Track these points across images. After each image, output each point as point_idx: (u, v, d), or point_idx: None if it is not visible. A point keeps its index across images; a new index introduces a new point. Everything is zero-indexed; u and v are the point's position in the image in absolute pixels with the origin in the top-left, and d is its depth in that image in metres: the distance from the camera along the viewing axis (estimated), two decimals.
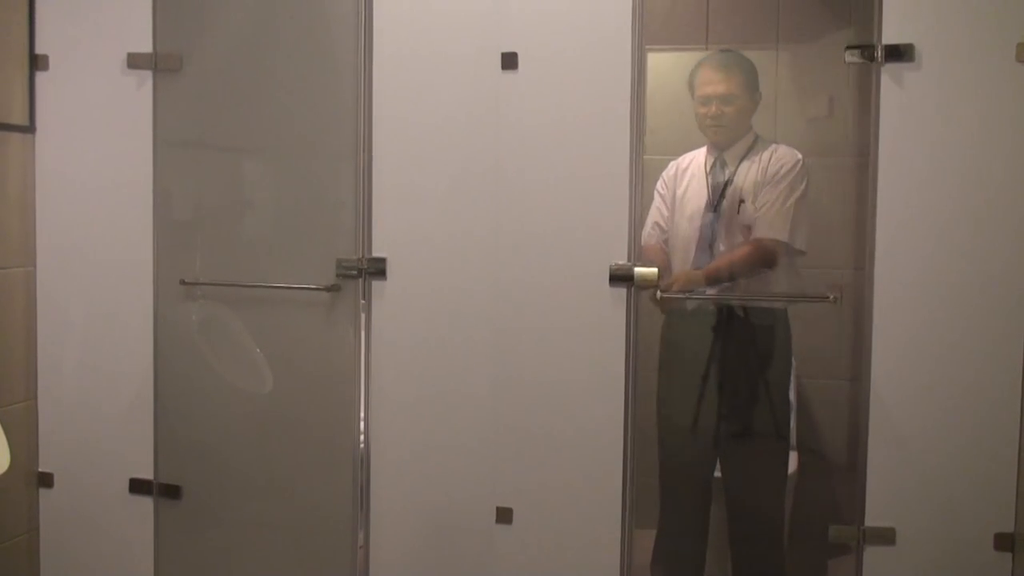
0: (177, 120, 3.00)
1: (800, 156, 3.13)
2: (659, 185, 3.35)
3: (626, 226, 2.69)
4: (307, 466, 2.99)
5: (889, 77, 2.56)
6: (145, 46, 2.97)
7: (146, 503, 3.07)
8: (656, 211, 3.32)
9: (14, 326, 3.02)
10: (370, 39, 2.82)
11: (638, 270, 2.70)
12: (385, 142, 2.83)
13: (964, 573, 2.61)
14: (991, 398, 2.57)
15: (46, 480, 3.12)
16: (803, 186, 3.10)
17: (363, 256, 2.85)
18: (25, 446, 3.07)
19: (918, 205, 2.57)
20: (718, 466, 3.25)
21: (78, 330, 3.07)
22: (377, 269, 2.84)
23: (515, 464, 2.80)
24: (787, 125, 3.47)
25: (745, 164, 3.18)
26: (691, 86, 3.24)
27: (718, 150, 3.24)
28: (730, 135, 3.20)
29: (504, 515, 2.81)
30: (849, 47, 2.61)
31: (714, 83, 3.19)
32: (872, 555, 2.65)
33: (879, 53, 2.56)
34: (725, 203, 3.18)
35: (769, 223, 3.10)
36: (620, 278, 2.68)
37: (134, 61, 2.97)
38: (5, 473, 2.55)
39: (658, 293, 2.83)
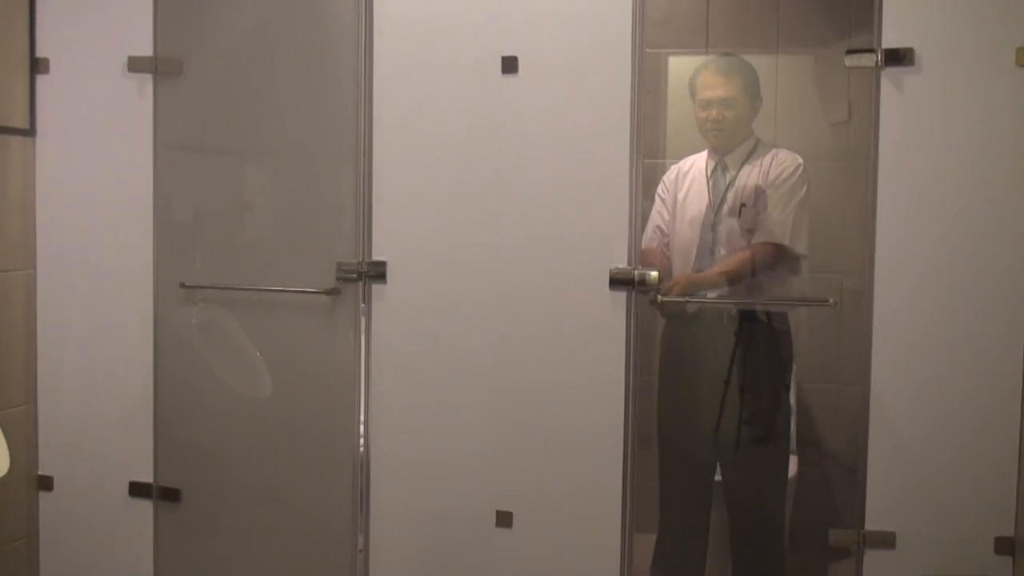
0: (177, 124, 3.00)
1: (801, 160, 3.14)
2: (660, 189, 3.36)
3: (626, 230, 2.68)
4: (307, 470, 2.99)
5: (889, 81, 2.56)
6: (146, 50, 2.97)
7: (146, 506, 3.07)
8: (657, 215, 3.33)
9: (14, 329, 3.02)
10: (370, 43, 2.82)
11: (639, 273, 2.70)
12: (385, 145, 2.83)
13: None
14: (991, 402, 2.56)
15: (46, 483, 3.12)
16: (804, 190, 3.11)
17: (363, 260, 2.85)
18: (25, 449, 3.07)
19: (918, 209, 2.57)
20: (718, 470, 3.25)
21: (78, 333, 3.07)
22: (377, 273, 2.85)
23: (515, 468, 2.80)
24: (787, 129, 3.48)
25: (746, 168, 3.19)
26: (692, 90, 3.25)
27: (719, 154, 3.24)
28: (731, 139, 3.21)
29: (504, 519, 2.81)
30: (849, 51, 2.61)
31: (715, 87, 3.20)
32: (872, 559, 2.65)
33: (879, 57, 2.55)
34: (726, 207, 3.18)
35: (770, 227, 3.10)
36: (620, 282, 2.68)
37: (134, 64, 2.97)
38: (5, 476, 2.55)
39: (658, 297, 2.83)
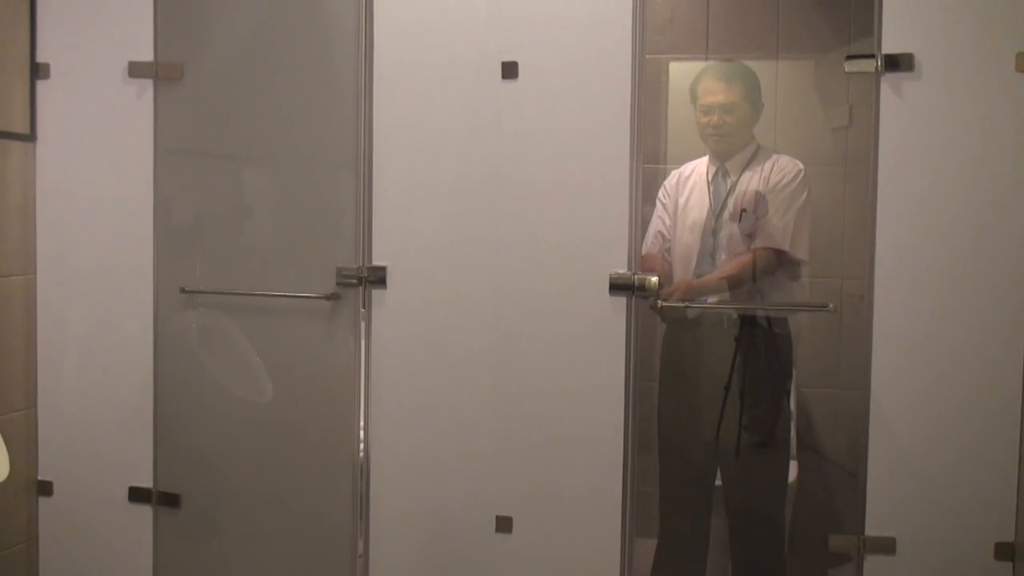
0: (178, 128, 3.00)
1: (801, 166, 3.14)
2: (660, 194, 3.36)
3: (626, 235, 2.68)
4: (307, 474, 2.99)
5: (889, 87, 2.57)
6: (146, 55, 2.97)
7: (145, 511, 3.07)
8: (658, 220, 3.33)
9: (14, 334, 3.02)
10: (371, 48, 2.82)
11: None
12: (385, 151, 2.83)
13: None
14: (991, 408, 2.56)
15: (45, 488, 3.12)
16: (804, 196, 3.11)
17: (363, 265, 2.85)
18: (25, 454, 3.07)
19: (918, 214, 2.57)
20: (718, 475, 3.25)
21: (78, 338, 3.07)
22: (377, 278, 2.84)
23: (515, 473, 2.80)
24: (788, 134, 3.48)
25: (747, 174, 3.19)
26: (693, 95, 3.25)
27: (720, 160, 3.25)
28: (731, 145, 3.21)
29: (504, 524, 2.81)
30: (849, 57, 2.61)
31: (716, 93, 3.20)
32: (872, 564, 2.64)
33: (879, 63, 2.56)
34: (727, 213, 3.19)
35: (770, 233, 3.11)
36: (620, 287, 2.68)
37: (135, 70, 2.98)
38: (4, 481, 2.55)
39: (658, 302, 2.83)
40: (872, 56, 2.57)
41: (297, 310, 2.96)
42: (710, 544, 3.28)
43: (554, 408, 2.76)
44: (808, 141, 3.58)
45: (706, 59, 3.63)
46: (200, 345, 3.06)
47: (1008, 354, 2.55)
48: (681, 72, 3.55)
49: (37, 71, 3.03)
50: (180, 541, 3.08)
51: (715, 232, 3.21)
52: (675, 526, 3.31)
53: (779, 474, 3.20)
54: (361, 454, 2.90)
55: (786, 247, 3.10)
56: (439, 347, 2.83)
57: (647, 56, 2.79)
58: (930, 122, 2.56)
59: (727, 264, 3.16)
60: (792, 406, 3.35)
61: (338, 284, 2.88)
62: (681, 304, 3.13)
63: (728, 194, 3.21)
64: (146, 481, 3.06)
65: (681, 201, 3.30)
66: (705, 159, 3.30)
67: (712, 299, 3.18)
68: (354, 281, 2.86)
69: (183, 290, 3.02)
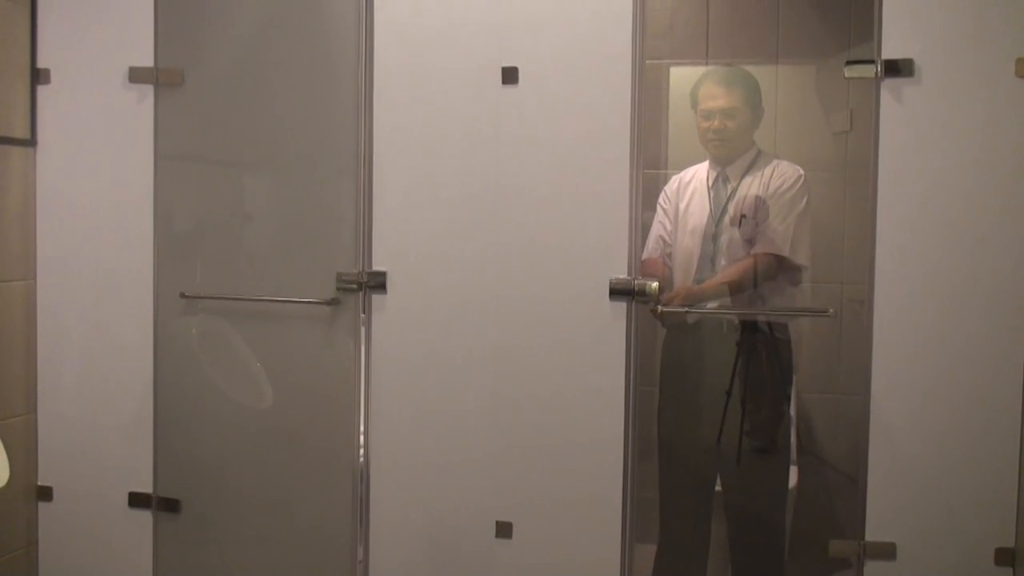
0: (178, 134, 3.00)
1: (802, 172, 3.14)
2: (661, 199, 3.36)
3: (626, 240, 2.68)
4: (307, 480, 2.99)
5: (889, 92, 2.57)
6: (146, 60, 2.97)
7: (145, 517, 3.06)
8: (659, 225, 3.33)
9: (14, 339, 3.02)
10: (371, 53, 2.82)
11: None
12: (385, 156, 2.83)
13: None
14: (992, 413, 2.56)
15: (45, 494, 3.11)
16: (804, 202, 3.11)
17: (363, 270, 2.85)
18: (24, 460, 3.07)
19: (918, 219, 2.57)
20: (718, 480, 3.25)
21: (78, 343, 3.07)
22: (377, 283, 2.85)
23: (515, 479, 2.80)
24: (788, 139, 3.49)
25: (747, 179, 3.19)
26: (693, 100, 3.26)
27: (720, 165, 3.25)
28: (732, 150, 3.22)
29: (504, 529, 2.81)
30: (849, 62, 2.61)
31: (716, 97, 3.20)
32: (873, 570, 2.64)
33: (879, 68, 2.56)
34: (727, 218, 3.19)
35: (770, 238, 3.11)
36: (620, 292, 2.68)
37: (135, 75, 2.98)
38: (4, 487, 2.55)
39: (658, 307, 2.83)
40: (872, 62, 2.57)
41: (297, 315, 2.96)
42: (710, 549, 3.28)
43: (554, 413, 2.76)
44: (809, 146, 3.58)
45: (706, 64, 3.63)
46: (200, 350, 3.06)
47: (1008, 359, 2.55)
48: (681, 77, 3.56)
49: (37, 76, 3.04)
50: (180, 547, 3.07)
51: (715, 237, 3.21)
52: (675, 531, 3.31)
53: (779, 479, 3.20)
54: (361, 459, 2.90)
55: (785, 253, 3.10)
56: (439, 352, 2.83)
57: (647, 61, 2.79)
58: (930, 127, 2.56)
59: (727, 269, 3.16)
60: (792, 411, 3.35)
61: (338, 289, 2.88)
62: (681, 309, 3.13)
63: (728, 199, 3.21)
64: (146, 486, 3.05)
65: (682, 206, 3.30)
66: (705, 164, 3.30)
67: (712, 304, 3.18)
68: (354, 286, 2.86)
69: (183, 295, 3.02)
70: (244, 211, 3.08)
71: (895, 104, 2.57)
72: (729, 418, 3.15)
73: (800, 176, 3.13)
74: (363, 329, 2.87)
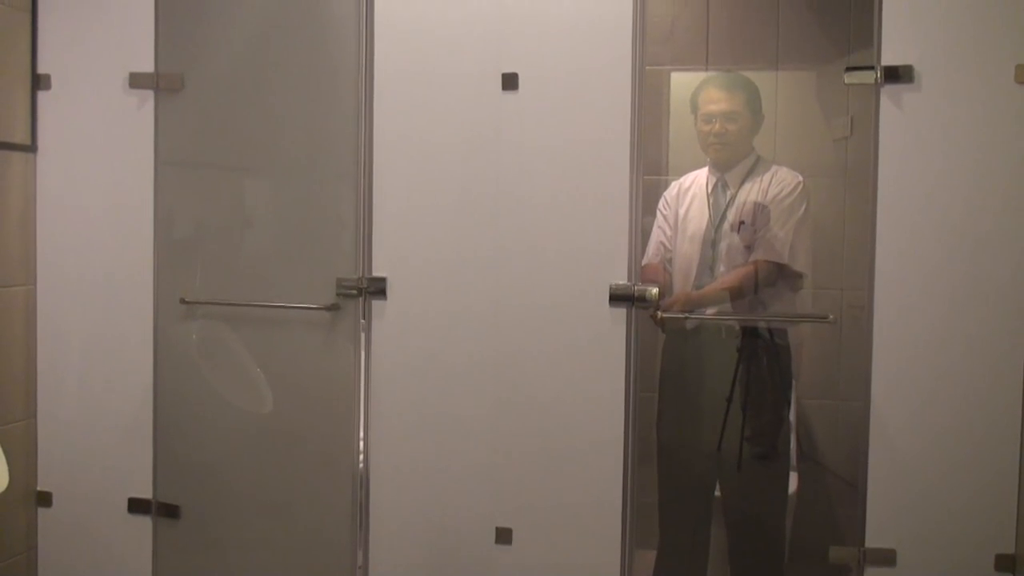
0: (178, 139, 3.00)
1: (801, 178, 3.15)
2: (661, 204, 3.37)
3: (626, 246, 2.68)
4: (306, 486, 2.98)
5: (888, 98, 2.57)
6: (147, 66, 2.98)
7: (145, 522, 3.06)
8: (659, 230, 3.34)
9: (14, 344, 3.02)
10: (371, 58, 2.83)
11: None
12: (386, 162, 2.83)
13: None
14: (991, 418, 2.56)
15: (45, 499, 3.11)
16: (803, 208, 3.11)
17: (363, 275, 2.86)
18: (24, 465, 3.07)
19: (918, 225, 2.57)
20: (717, 486, 3.25)
21: (78, 349, 3.07)
22: (377, 288, 2.85)
23: (515, 484, 2.79)
24: (789, 145, 3.49)
25: (746, 186, 3.19)
26: (694, 105, 3.26)
27: (720, 171, 3.25)
28: (732, 154, 3.22)
29: (504, 535, 2.80)
30: (849, 68, 2.62)
31: (718, 101, 3.21)
32: None
33: (878, 75, 2.56)
34: (726, 224, 3.19)
35: (769, 245, 3.11)
36: (620, 297, 2.68)
37: (136, 81, 2.98)
38: (4, 492, 2.55)
39: (658, 313, 2.83)
40: (872, 68, 2.57)
41: (297, 321, 2.96)
42: (710, 555, 3.27)
43: (554, 419, 2.75)
44: (809, 152, 3.58)
45: (706, 70, 3.63)
46: (200, 356, 3.06)
47: (1008, 365, 2.55)
48: (682, 83, 3.56)
49: (38, 82, 3.04)
50: (179, 552, 3.07)
51: (714, 244, 3.21)
52: (675, 537, 3.31)
53: (779, 485, 3.20)
54: (361, 465, 2.90)
55: (784, 260, 3.10)
56: (439, 357, 2.83)
57: (647, 67, 2.79)
58: (930, 133, 2.56)
59: (726, 276, 3.16)
60: (792, 417, 3.35)
61: (338, 295, 2.88)
62: (681, 315, 3.13)
63: (728, 206, 3.21)
64: (146, 492, 3.05)
65: (681, 212, 3.30)
66: (705, 170, 3.31)
67: (711, 310, 3.18)
68: (354, 292, 2.86)
69: (183, 301, 3.02)
70: (244, 216, 3.08)
71: (895, 110, 2.57)
72: (730, 424, 3.15)
73: (799, 183, 3.14)
74: (363, 335, 2.87)
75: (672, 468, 3.29)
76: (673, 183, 3.39)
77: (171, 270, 3.01)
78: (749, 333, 3.17)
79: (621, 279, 2.68)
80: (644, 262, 3.21)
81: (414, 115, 2.81)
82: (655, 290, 2.66)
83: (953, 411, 2.58)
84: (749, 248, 3.15)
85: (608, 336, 2.70)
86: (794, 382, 3.33)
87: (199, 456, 3.05)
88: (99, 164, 3.02)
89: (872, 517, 2.63)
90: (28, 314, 3.06)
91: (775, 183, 3.15)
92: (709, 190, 3.26)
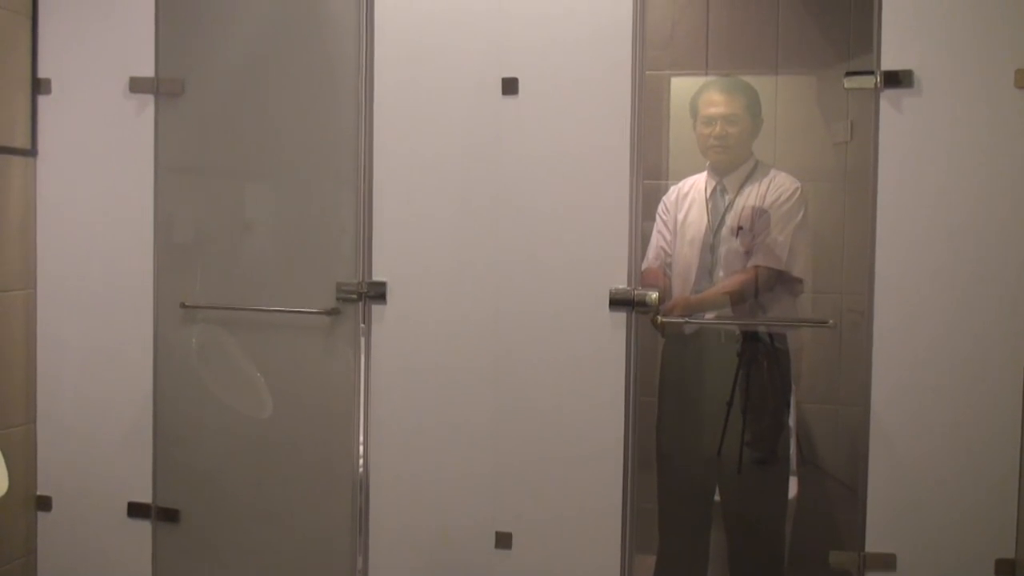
0: (178, 144, 3.01)
1: (799, 184, 3.15)
2: (660, 209, 3.37)
3: (626, 250, 2.69)
4: (306, 491, 2.98)
5: (888, 103, 2.57)
6: (147, 70, 2.98)
7: (144, 527, 3.06)
8: (658, 235, 3.34)
9: (14, 349, 3.02)
10: (371, 63, 2.83)
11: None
12: (386, 166, 2.83)
13: None
14: (991, 423, 2.56)
15: (44, 503, 3.11)
16: (801, 214, 3.11)
17: (363, 280, 2.86)
18: (24, 469, 3.07)
19: (918, 230, 2.58)
20: (717, 490, 3.24)
21: (78, 353, 3.07)
22: (377, 293, 2.85)
23: (514, 489, 2.79)
24: (789, 149, 3.49)
25: (745, 191, 3.19)
26: (693, 109, 3.26)
27: (718, 175, 3.25)
28: (732, 158, 3.22)
29: (503, 540, 2.80)
30: (848, 73, 2.62)
31: (718, 104, 3.21)
32: None
33: (878, 79, 2.56)
34: (725, 229, 3.19)
35: (767, 251, 3.11)
36: (620, 302, 2.68)
37: (136, 85, 2.98)
38: (4, 496, 2.55)
39: (658, 317, 2.83)
40: (872, 72, 2.57)
41: (297, 325, 2.96)
42: (710, 560, 3.27)
43: (554, 424, 2.75)
44: (809, 156, 3.58)
45: (706, 75, 3.63)
46: (200, 360, 3.06)
47: (1008, 369, 2.55)
48: (682, 88, 3.56)
49: (38, 86, 3.04)
50: (179, 557, 3.07)
51: (713, 249, 3.21)
52: (675, 542, 3.30)
53: (779, 490, 3.20)
54: (360, 470, 2.90)
55: (781, 266, 3.10)
56: (439, 362, 2.83)
57: (647, 72, 2.80)
58: (930, 138, 2.56)
59: (726, 281, 3.16)
60: (792, 422, 3.35)
61: (338, 299, 2.88)
62: (681, 320, 3.13)
63: (726, 210, 3.21)
64: (145, 496, 3.05)
65: (680, 217, 3.30)
66: (703, 175, 3.31)
67: (710, 315, 3.18)
68: (354, 296, 2.86)
69: (183, 305, 3.02)
70: (244, 221, 3.09)
71: (895, 114, 2.57)
72: (730, 428, 3.15)
73: (797, 188, 3.14)
74: (363, 339, 2.87)
75: (672, 473, 3.29)
76: (672, 188, 3.39)
77: (171, 274, 3.02)
78: (749, 337, 3.17)
79: (621, 283, 2.68)
80: (644, 267, 3.21)
81: (414, 119, 2.81)
82: (655, 294, 2.66)
83: (953, 416, 2.58)
84: (748, 253, 3.15)
85: (608, 341, 2.70)
86: (794, 386, 3.32)
87: (199, 461, 3.05)
88: (99, 168, 3.03)
89: (872, 522, 2.63)
90: (28, 318, 3.06)
91: (773, 188, 3.15)
92: (708, 195, 3.26)
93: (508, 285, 2.77)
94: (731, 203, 3.20)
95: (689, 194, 3.31)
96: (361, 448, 2.90)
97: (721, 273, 3.18)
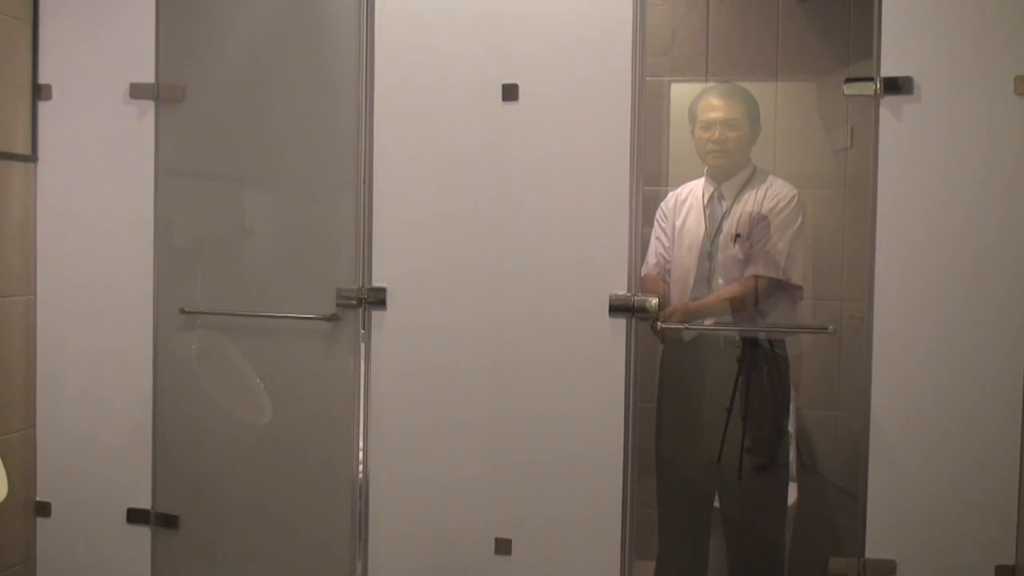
0: (179, 150, 3.01)
1: (796, 191, 3.15)
2: (658, 215, 3.37)
3: (626, 257, 2.69)
4: (306, 496, 2.98)
5: (888, 110, 2.57)
6: (148, 76, 2.98)
7: (144, 533, 3.06)
8: (657, 242, 3.34)
9: (14, 354, 3.02)
10: (371, 69, 2.83)
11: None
12: (386, 172, 2.83)
13: None
14: (991, 429, 2.56)
15: (44, 509, 3.11)
16: (799, 221, 3.12)
17: (363, 286, 2.86)
18: (23, 475, 3.06)
19: (917, 236, 2.58)
20: (717, 496, 3.24)
21: (77, 358, 3.07)
22: (377, 299, 2.85)
23: (514, 495, 2.79)
24: (788, 156, 3.49)
25: (742, 197, 3.20)
26: (692, 114, 3.27)
27: (716, 181, 3.25)
28: (730, 164, 3.22)
29: (503, 546, 2.80)
30: (848, 80, 2.62)
31: (718, 109, 3.22)
32: None
33: (878, 86, 2.57)
34: (722, 237, 3.19)
35: (766, 259, 3.11)
36: (620, 308, 2.68)
37: (136, 91, 2.98)
38: (3, 502, 2.55)
39: (657, 324, 2.83)
40: (871, 79, 2.57)
41: (297, 331, 2.96)
42: (709, 566, 3.27)
43: (554, 430, 2.75)
44: (809, 163, 3.59)
45: (706, 81, 3.64)
46: (200, 366, 3.06)
47: (1008, 374, 2.55)
48: (682, 94, 3.57)
49: (39, 92, 3.04)
50: (178, 563, 3.07)
51: (711, 256, 3.21)
52: (674, 548, 3.30)
53: (779, 496, 3.20)
54: (360, 475, 2.90)
55: (779, 275, 3.10)
56: (439, 368, 2.82)
57: (647, 78, 2.80)
58: (929, 144, 2.56)
59: (724, 289, 3.16)
60: (792, 428, 3.35)
61: (338, 305, 2.88)
62: (682, 326, 3.13)
63: (724, 217, 3.21)
64: (144, 502, 3.05)
65: (678, 223, 3.31)
66: (701, 181, 3.31)
67: (708, 321, 3.18)
68: (354, 302, 2.86)
69: (183, 311, 3.01)
70: (244, 227, 3.09)
71: (894, 121, 2.57)
72: (730, 435, 3.15)
73: (794, 196, 3.14)
74: (363, 345, 2.87)
75: (671, 479, 3.29)
76: (670, 194, 3.39)
77: (171, 280, 3.02)
78: (749, 344, 3.17)
79: (621, 290, 2.68)
80: (642, 273, 3.21)
81: (414, 125, 2.81)
82: (655, 301, 2.66)
83: (953, 422, 2.58)
84: (744, 261, 3.15)
85: (608, 347, 2.70)
86: (794, 392, 3.33)
87: (198, 466, 3.05)
88: (100, 174, 3.03)
89: (872, 528, 2.63)
90: (28, 324, 3.06)
91: (771, 196, 3.15)
92: (705, 201, 3.27)
93: (508, 291, 2.77)
94: (728, 210, 3.21)
95: (687, 200, 3.31)
96: (361, 454, 2.90)
97: (720, 280, 3.18)
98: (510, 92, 2.74)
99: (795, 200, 3.13)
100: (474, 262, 2.79)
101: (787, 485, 3.23)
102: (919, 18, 2.56)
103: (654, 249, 3.35)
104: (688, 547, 3.28)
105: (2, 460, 2.59)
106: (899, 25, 2.57)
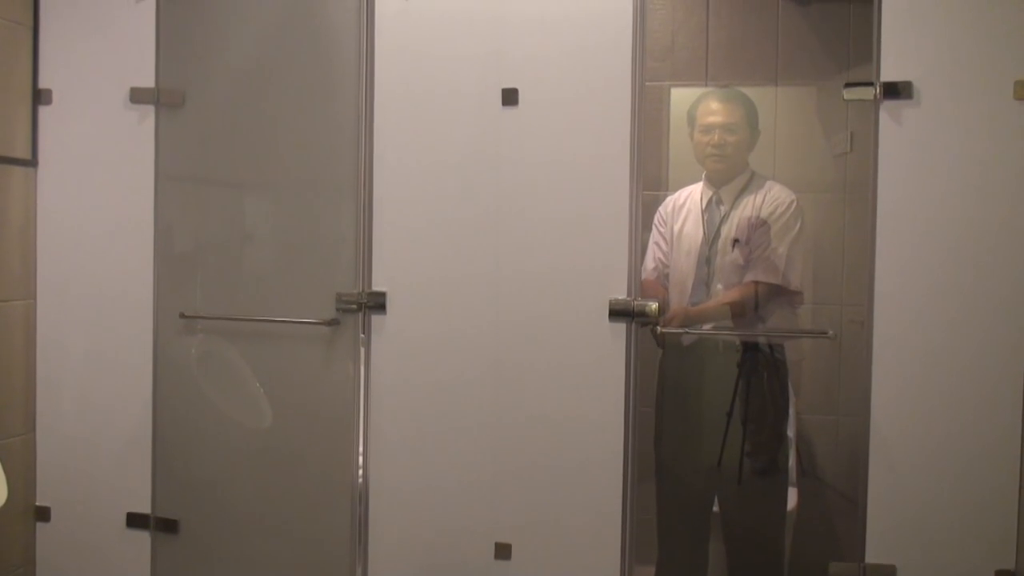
0: (179, 154, 3.01)
1: (794, 196, 3.15)
2: (657, 220, 3.37)
3: (626, 261, 2.68)
4: (305, 501, 2.98)
5: (888, 114, 2.58)
6: (148, 81, 2.98)
7: (143, 537, 3.05)
8: (655, 247, 3.34)
9: (14, 359, 3.02)
10: (371, 74, 2.83)
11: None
12: (386, 177, 2.83)
13: None
14: (991, 434, 2.56)
15: (43, 514, 3.11)
16: (798, 227, 3.12)
17: (363, 290, 2.86)
18: (23, 479, 3.06)
19: (917, 241, 2.57)
20: (716, 501, 3.24)
21: (77, 363, 3.07)
22: (377, 303, 2.85)
23: (514, 500, 2.79)
24: (788, 160, 3.50)
25: (740, 203, 3.20)
26: (691, 118, 3.27)
27: (714, 186, 3.25)
28: (729, 168, 3.22)
29: (503, 551, 2.80)
30: (848, 84, 2.62)
31: (717, 113, 3.22)
32: None
33: (877, 91, 2.57)
34: (720, 241, 3.19)
35: (764, 266, 3.11)
36: (620, 313, 2.68)
37: (136, 96, 2.99)
38: (3, 507, 2.54)
39: (657, 328, 2.83)
40: (871, 84, 2.58)
41: (297, 335, 2.96)
42: (709, 571, 3.27)
43: (554, 434, 2.75)
44: (809, 167, 3.59)
45: (706, 86, 3.64)
46: (199, 371, 3.06)
47: (1008, 380, 2.55)
48: (681, 99, 3.57)
49: (39, 97, 3.05)
50: (178, 567, 3.06)
51: (709, 260, 3.21)
52: (674, 553, 3.30)
53: (778, 501, 3.20)
54: (360, 480, 2.89)
55: (778, 280, 3.10)
56: (439, 373, 2.82)
57: (647, 83, 2.80)
58: (929, 149, 2.56)
59: (724, 294, 3.16)
60: (792, 432, 3.35)
61: (338, 310, 2.88)
62: (681, 330, 3.13)
63: (722, 222, 3.21)
64: (144, 507, 3.05)
65: (676, 228, 3.31)
66: (699, 185, 3.31)
67: (707, 325, 3.18)
68: (354, 307, 2.86)
69: (183, 315, 3.02)
70: (244, 231, 3.09)
71: (894, 126, 2.57)
72: (730, 439, 3.15)
73: (792, 201, 3.14)
74: (362, 349, 2.87)
75: (671, 483, 3.29)
76: (667, 199, 3.39)
77: (171, 285, 3.02)
78: (749, 348, 3.17)
79: (621, 294, 2.68)
80: (641, 277, 3.21)
81: (414, 130, 2.81)
82: (655, 305, 2.66)
83: (953, 426, 2.58)
84: (743, 266, 3.15)
85: (608, 351, 2.70)
86: (794, 397, 3.32)
87: (198, 471, 3.04)
88: (100, 179, 3.03)
89: (872, 533, 2.62)
90: (28, 328, 3.06)
91: (769, 201, 3.15)
92: (703, 206, 3.27)
93: (508, 295, 2.77)
94: (727, 215, 3.21)
95: (685, 205, 3.31)
96: (360, 458, 2.89)
97: (719, 285, 3.18)
98: (510, 97, 2.74)
99: (794, 205, 3.13)
100: (474, 266, 2.79)
101: (787, 490, 3.23)
102: (919, 23, 2.56)
103: (652, 254, 3.35)
104: (688, 552, 3.28)
105: (2, 464, 2.59)
106: (899, 30, 2.57)
